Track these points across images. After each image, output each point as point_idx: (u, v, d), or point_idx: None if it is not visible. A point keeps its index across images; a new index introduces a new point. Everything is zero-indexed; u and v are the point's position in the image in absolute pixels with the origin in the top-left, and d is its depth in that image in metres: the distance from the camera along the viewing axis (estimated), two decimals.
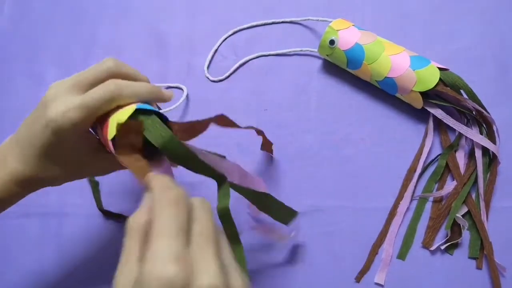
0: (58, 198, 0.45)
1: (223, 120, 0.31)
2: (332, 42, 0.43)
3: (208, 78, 0.49)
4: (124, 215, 0.43)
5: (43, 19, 0.54)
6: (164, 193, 0.23)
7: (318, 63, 0.48)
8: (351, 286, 0.40)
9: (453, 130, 0.42)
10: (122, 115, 0.27)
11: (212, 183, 0.28)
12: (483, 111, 0.40)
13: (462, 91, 0.41)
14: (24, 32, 0.54)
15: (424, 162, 0.42)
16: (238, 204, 0.30)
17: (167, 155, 0.27)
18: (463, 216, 0.40)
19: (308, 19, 0.49)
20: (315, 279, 0.40)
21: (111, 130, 0.27)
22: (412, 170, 0.42)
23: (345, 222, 0.41)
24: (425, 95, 0.41)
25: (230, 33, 0.50)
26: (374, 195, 0.42)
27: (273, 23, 0.50)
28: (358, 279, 0.40)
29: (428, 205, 0.42)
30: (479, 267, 0.39)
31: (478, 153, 0.41)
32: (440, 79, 0.40)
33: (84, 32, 0.52)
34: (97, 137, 0.31)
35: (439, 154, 0.43)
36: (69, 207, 0.45)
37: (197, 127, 0.30)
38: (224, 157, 0.30)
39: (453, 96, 0.40)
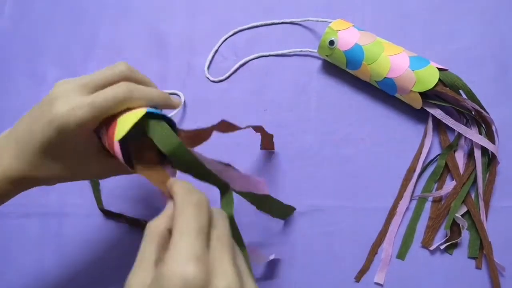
0: (58, 198, 0.45)
1: (224, 126, 0.31)
2: (331, 42, 0.43)
3: (208, 79, 0.49)
4: (124, 215, 0.43)
5: (43, 19, 0.54)
6: (187, 196, 0.23)
7: (318, 63, 0.48)
8: (351, 286, 0.40)
9: (453, 130, 0.43)
10: (131, 118, 0.27)
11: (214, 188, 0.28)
12: (482, 111, 0.41)
13: (461, 91, 0.41)
14: (24, 32, 0.54)
15: (424, 162, 0.43)
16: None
17: (174, 162, 0.27)
18: (462, 216, 0.40)
19: (308, 20, 0.49)
20: (315, 279, 0.40)
21: (118, 131, 0.27)
22: (411, 170, 0.42)
23: (345, 222, 0.42)
24: (425, 95, 0.41)
25: (230, 33, 0.51)
26: (373, 195, 0.42)
27: (273, 23, 0.50)
28: (357, 278, 0.40)
29: (428, 205, 0.42)
30: (478, 267, 0.39)
31: (477, 153, 0.41)
32: (439, 79, 0.40)
33: (84, 32, 0.53)
34: (100, 140, 0.31)
35: (439, 154, 0.43)
36: (69, 207, 0.45)
37: (202, 135, 0.31)
38: (229, 165, 0.30)
39: (452, 96, 0.40)
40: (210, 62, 0.50)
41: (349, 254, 0.41)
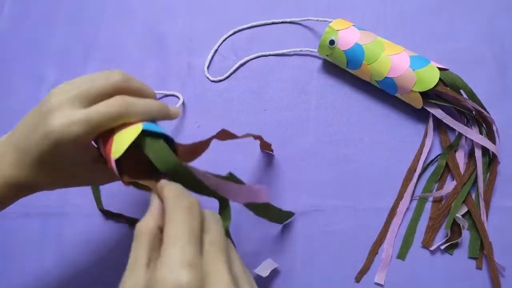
0: (58, 198, 0.45)
1: (224, 135, 0.31)
2: (332, 42, 0.43)
3: (208, 78, 0.49)
4: (124, 215, 0.43)
5: (43, 19, 0.54)
6: (178, 200, 0.22)
7: (318, 63, 0.48)
8: (351, 286, 0.40)
9: (453, 130, 0.42)
10: (128, 136, 0.26)
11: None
12: (483, 111, 0.40)
13: (462, 91, 0.41)
14: (24, 32, 0.54)
15: (424, 162, 0.42)
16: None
17: (172, 180, 0.26)
18: (463, 216, 0.40)
19: (308, 19, 0.49)
20: (315, 279, 0.40)
21: (115, 149, 0.26)
22: (412, 170, 0.42)
23: (345, 222, 0.41)
24: (425, 95, 0.41)
25: (230, 33, 0.50)
26: (374, 195, 0.42)
27: (273, 23, 0.50)
28: (358, 279, 0.40)
29: (428, 205, 0.42)
30: (479, 267, 0.39)
31: (478, 153, 0.41)
32: (440, 79, 0.40)
33: (84, 32, 0.53)
34: (98, 148, 0.30)
35: (439, 154, 0.43)
36: (69, 207, 0.45)
37: (200, 147, 0.30)
38: (230, 174, 0.30)
39: (453, 96, 0.40)
40: (210, 62, 0.50)
41: (349, 254, 0.40)
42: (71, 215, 0.44)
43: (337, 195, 0.42)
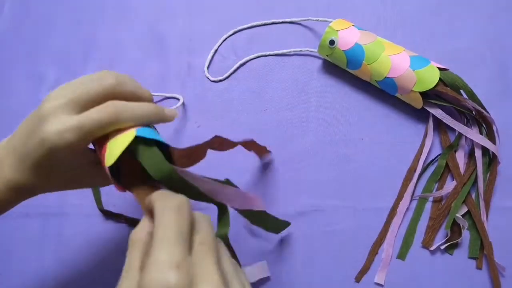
0: (58, 198, 0.45)
1: (218, 141, 0.31)
2: (332, 42, 0.43)
3: (208, 78, 0.49)
4: (124, 215, 0.43)
5: (43, 19, 0.54)
6: (165, 201, 0.22)
7: (318, 63, 0.48)
8: (351, 286, 0.40)
9: (453, 130, 0.42)
10: (120, 143, 0.26)
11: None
12: (483, 111, 0.40)
13: (462, 91, 0.41)
14: (24, 32, 0.54)
15: (424, 162, 0.42)
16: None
17: (167, 186, 0.26)
18: (463, 216, 0.40)
19: (308, 19, 0.49)
20: (315, 279, 0.40)
21: (108, 157, 0.26)
22: (412, 170, 0.42)
23: (345, 222, 0.41)
24: (425, 95, 0.41)
25: (230, 33, 0.50)
26: (374, 195, 0.42)
27: (273, 23, 0.50)
28: (358, 279, 0.40)
29: (428, 205, 0.42)
30: (479, 267, 0.39)
31: (478, 153, 0.41)
32: (440, 79, 0.40)
33: (84, 32, 0.53)
34: (95, 153, 0.30)
35: (439, 154, 0.43)
36: (69, 207, 0.45)
37: (197, 153, 0.30)
38: (227, 180, 0.30)
39: (453, 96, 0.40)
40: (210, 61, 0.50)
41: (349, 254, 0.40)
42: (71, 215, 0.44)
43: (337, 195, 0.42)
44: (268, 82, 0.48)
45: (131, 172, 0.28)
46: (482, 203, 0.40)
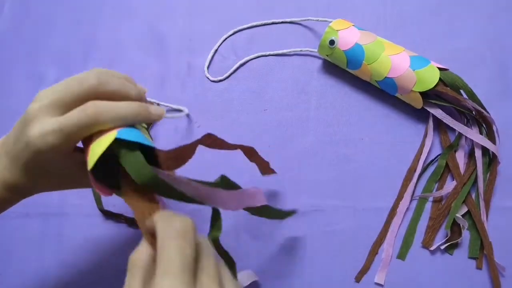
0: (58, 198, 0.45)
1: (210, 140, 0.30)
2: (332, 42, 0.43)
3: (208, 78, 0.49)
4: (124, 215, 0.43)
5: (43, 19, 0.54)
6: (168, 225, 0.21)
7: (318, 63, 0.48)
8: (351, 286, 0.40)
9: (453, 130, 0.42)
10: (100, 145, 0.25)
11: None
12: (483, 111, 0.40)
13: (462, 91, 0.41)
14: (24, 32, 0.54)
15: (424, 162, 0.42)
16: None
17: (152, 190, 0.25)
18: (463, 216, 0.40)
19: (308, 19, 0.49)
20: (315, 279, 0.40)
21: (90, 160, 0.25)
22: (412, 170, 0.42)
23: (345, 222, 0.41)
24: (425, 95, 0.41)
25: (230, 33, 0.50)
26: (374, 195, 0.42)
27: (273, 23, 0.50)
28: (358, 279, 0.40)
29: (428, 205, 0.42)
30: (479, 267, 0.39)
31: (478, 153, 0.41)
32: (440, 79, 0.40)
33: (84, 32, 0.53)
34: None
35: (439, 154, 0.43)
36: (69, 207, 0.45)
37: (185, 153, 0.28)
38: (223, 178, 0.28)
39: (453, 96, 0.40)
40: (210, 61, 0.50)
41: (349, 254, 0.40)
42: (71, 215, 0.44)
43: (337, 195, 0.42)
44: (268, 82, 0.48)
45: (123, 174, 0.27)
46: (482, 203, 0.40)
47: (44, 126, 0.26)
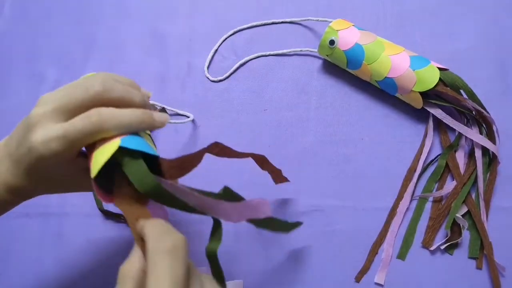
0: (58, 198, 0.45)
1: (217, 148, 0.29)
2: (332, 42, 0.43)
3: (208, 78, 0.49)
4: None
5: (43, 19, 0.54)
6: (159, 241, 0.21)
7: (318, 63, 0.48)
8: (351, 286, 0.40)
9: (453, 130, 0.42)
10: (104, 154, 0.25)
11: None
12: (483, 111, 0.40)
13: (462, 91, 0.41)
14: (24, 32, 0.54)
15: (424, 162, 0.42)
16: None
17: (154, 200, 0.25)
18: (463, 216, 0.40)
19: (308, 19, 0.49)
20: (315, 279, 0.40)
21: (93, 168, 0.25)
22: (412, 170, 0.42)
23: (345, 222, 0.41)
24: (425, 95, 0.41)
25: (230, 33, 0.50)
26: (374, 195, 0.42)
27: (273, 23, 0.50)
28: (358, 279, 0.40)
29: (428, 205, 0.42)
30: (479, 267, 0.39)
31: (478, 153, 0.41)
32: (440, 79, 0.40)
33: (84, 32, 0.53)
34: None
35: (439, 154, 0.43)
36: (69, 207, 0.45)
37: (190, 161, 0.28)
38: (226, 189, 0.28)
39: (453, 96, 0.40)
40: (210, 62, 0.50)
41: (349, 254, 0.40)
42: (71, 215, 0.44)
43: (337, 195, 0.42)
44: (268, 82, 0.48)
45: (125, 182, 0.27)
46: (482, 203, 0.40)
47: (48, 132, 0.25)
